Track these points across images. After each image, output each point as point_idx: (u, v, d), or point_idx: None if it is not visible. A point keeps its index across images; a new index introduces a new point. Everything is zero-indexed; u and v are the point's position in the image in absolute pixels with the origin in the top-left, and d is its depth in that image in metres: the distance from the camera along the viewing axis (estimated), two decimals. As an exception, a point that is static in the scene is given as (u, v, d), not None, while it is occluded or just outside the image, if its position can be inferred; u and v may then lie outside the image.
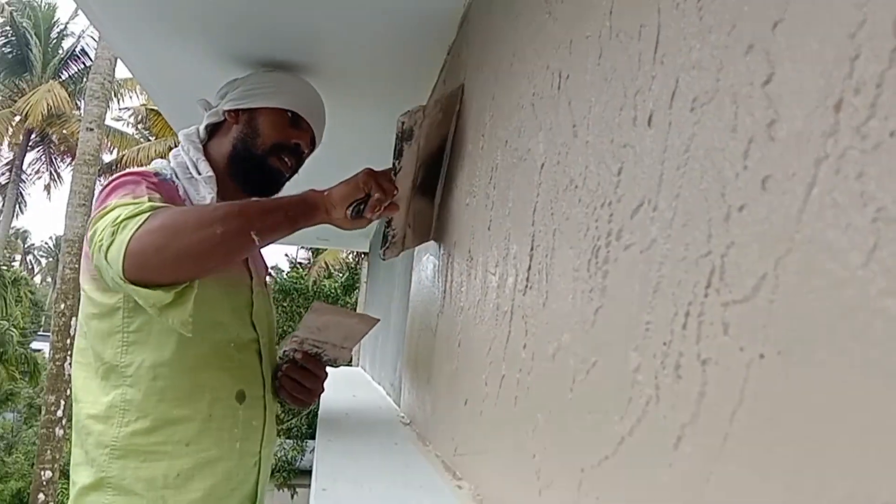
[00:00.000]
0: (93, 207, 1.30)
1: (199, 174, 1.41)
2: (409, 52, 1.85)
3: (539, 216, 0.93)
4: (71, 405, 1.36)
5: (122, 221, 1.12)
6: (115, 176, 1.32)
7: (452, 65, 1.77)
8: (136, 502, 1.24)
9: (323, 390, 1.55)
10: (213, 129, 1.55)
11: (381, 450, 1.52)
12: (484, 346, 1.14)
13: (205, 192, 1.39)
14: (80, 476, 1.27)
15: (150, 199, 1.21)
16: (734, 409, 0.45)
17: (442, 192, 1.62)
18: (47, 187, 22.77)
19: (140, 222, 1.11)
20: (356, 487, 1.14)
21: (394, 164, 1.44)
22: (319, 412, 2.20)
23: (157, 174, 1.36)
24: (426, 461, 1.40)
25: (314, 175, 3.29)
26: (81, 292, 1.33)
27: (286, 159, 1.53)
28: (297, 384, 1.48)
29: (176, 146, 1.55)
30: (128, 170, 1.35)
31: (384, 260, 1.77)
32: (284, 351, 1.50)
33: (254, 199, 1.32)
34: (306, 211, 1.33)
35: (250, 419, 1.39)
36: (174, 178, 1.39)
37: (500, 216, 1.14)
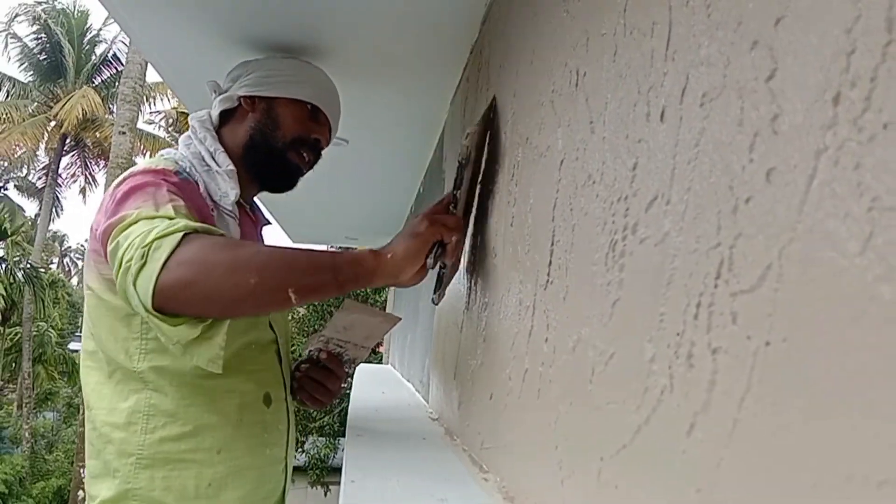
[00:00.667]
0: (105, 203, 1.16)
1: (220, 166, 1.31)
2: (432, 51, 1.87)
3: (559, 212, 0.94)
4: None
5: (152, 242, 0.99)
6: (130, 172, 1.19)
7: (475, 63, 1.79)
8: None
9: (342, 391, 1.48)
10: (225, 115, 1.43)
11: (409, 444, 1.54)
12: (507, 340, 1.16)
13: (226, 188, 1.29)
14: (100, 489, 1.17)
15: (174, 208, 1.09)
16: (742, 395, 0.46)
17: (475, 215, 1.48)
18: (83, 191, 23.23)
19: (172, 247, 0.99)
20: (384, 480, 1.17)
21: (454, 194, 1.35)
22: (349, 409, 2.24)
23: (176, 172, 1.22)
24: (454, 455, 1.42)
25: (335, 170, 3.32)
26: (86, 290, 1.23)
27: (305, 154, 1.46)
28: (318, 385, 1.42)
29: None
30: (143, 166, 1.21)
31: (436, 305, 1.71)
32: (309, 351, 1.46)
33: (301, 249, 1.14)
34: (361, 276, 1.12)
35: (276, 423, 1.34)
36: (192, 172, 1.27)
37: (521, 212, 1.15)
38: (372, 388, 3.00)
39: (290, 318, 1.53)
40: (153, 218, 1.04)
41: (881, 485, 0.34)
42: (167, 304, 1.00)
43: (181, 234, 1.00)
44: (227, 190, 1.30)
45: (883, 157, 0.35)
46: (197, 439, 1.18)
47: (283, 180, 1.47)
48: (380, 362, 7.30)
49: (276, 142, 1.41)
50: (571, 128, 0.91)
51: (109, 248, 1.05)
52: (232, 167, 1.33)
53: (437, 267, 1.36)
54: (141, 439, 1.15)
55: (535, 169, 1.08)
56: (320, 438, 12.28)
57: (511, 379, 1.12)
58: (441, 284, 1.56)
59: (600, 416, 0.72)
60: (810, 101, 0.41)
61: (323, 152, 1.55)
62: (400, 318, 1.50)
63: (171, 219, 1.05)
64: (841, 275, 0.38)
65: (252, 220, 1.44)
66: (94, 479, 1.19)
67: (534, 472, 0.95)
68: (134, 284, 1.00)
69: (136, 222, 1.04)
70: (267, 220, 1.56)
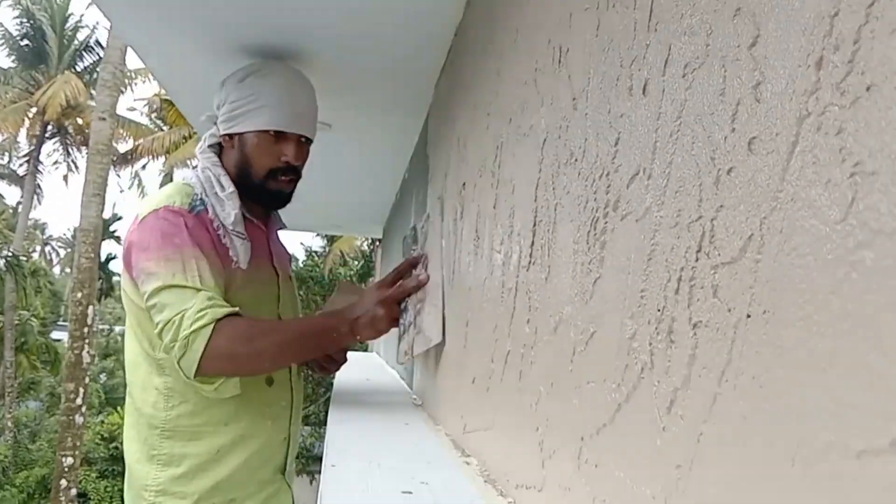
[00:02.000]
0: (132, 231, 1.41)
1: (224, 189, 1.49)
2: (417, 34, 1.85)
3: (541, 191, 0.93)
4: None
5: (189, 336, 1.25)
6: (154, 207, 1.40)
7: (459, 45, 1.77)
8: (179, 473, 1.40)
9: (346, 360, 1.68)
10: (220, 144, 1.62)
11: (391, 429, 1.54)
12: (490, 323, 1.15)
13: (229, 210, 1.47)
14: (132, 452, 1.45)
15: (199, 274, 1.32)
16: (723, 369, 0.46)
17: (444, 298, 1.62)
18: (65, 177, 22.96)
19: (206, 341, 1.25)
20: (365, 464, 1.16)
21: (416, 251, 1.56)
22: (332, 395, 2.22)
23: (191, 208, 1.42)
24: (436, 440, 1.41)
25: (319, 158, 3.29)
26: (126, 299, 1.44)
27: (283, 178, 1.57)
28: (325, 354, 1.62)
29: (190, 135, 1.61)
30: (165, 202, 1.41)
31: (402, 364, 1.83)
32: None
33: (303, 327, 1.47)
34: (339, 343, 1.49)
35: (279, 400, 1.55)
36: (203, 199, 1.46)
37: (504, 193, 1.14)
38: (356, 374, 2.99)
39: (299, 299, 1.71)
40: (184, 288, 1.30)
41: (860, 454, 0.33)
42: (206, 379, 1.32)
43: (212, 326, 1.26)
44: (229, 211, 1.47)
45: (866, 119, 0.34)
46: (207, 415, 1.42)
47: (274, 203, 1.62)
48: (366, 350, 7.28)
49: (254, 178, 1.55)
50: (554, 106, 0.90)
51: (147, 303, 1.33)
52: (233, 189, 1.50)
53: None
54: (164, 415, 1.40)
55: (519, 149, 1.07)
56: (306, 427, 12.26)
57: (493, 362, 1.11)
58: (406, 342, 1.70)
59: (581, 395, 0.71)
60: (793, 66, 0.40)
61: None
62: None
63: (198, 290, 1.30)
64: (822, 242, 0.37)
65: (262, 231, 1.62)
66: (129, 441, 1.47)
67: (515, 454, 0.94)
68: (178, 363, 1.28)
69: (171, 289, 1.30)
70: (282, 224, 1.74)
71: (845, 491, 0.34)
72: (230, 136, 1.56)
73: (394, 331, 1.62)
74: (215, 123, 1.61)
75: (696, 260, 0.50)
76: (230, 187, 1.50)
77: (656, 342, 0.55)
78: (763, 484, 0.40)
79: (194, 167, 1.61)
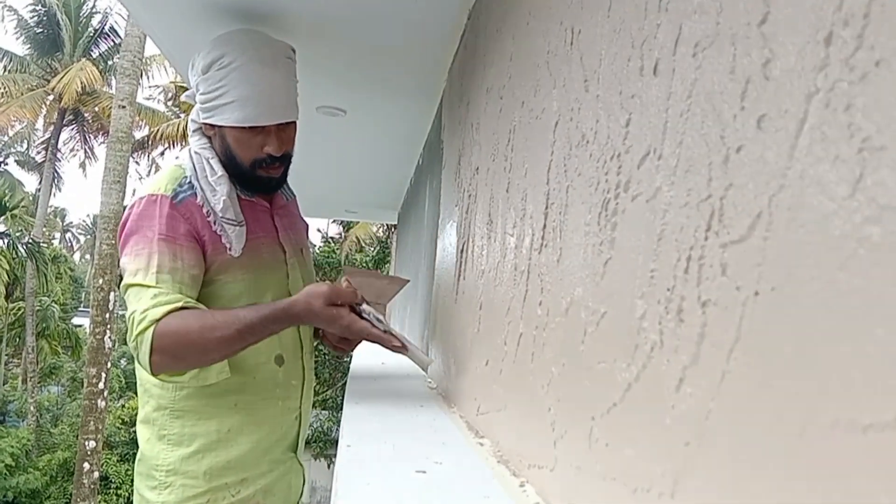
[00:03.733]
0: (121, 223, 1.41)
1: (215, 173, 1.46)
2: (430, 18, 1.85)
3: (553, 174, 0.93)
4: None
5: (137, 338, 1.26)
6: (140, 195, 1.41)
7: (473, 28, 1.76)
8: (189, 452, 1.41)
9: (360, 341, 1.62)
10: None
11: (406, 411, 1.55)
12: (503, 306, 1.16)
13: (220, 193, 1.44)
14: (143, 433, 1.46)
15: (158, 273, 1.31)
16: (731, 347, 0.46)
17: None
18: (82, 165, 23.14)
19: (150, 341, 1.25)
20: (380, 444, 1.17)
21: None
22: (349, 379, 2.24)
23: (174, 196, 1.39)
24: (450, 421, 1.42)
25: (334, 144, 3.30)
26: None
27: (270, 167, 1.51)
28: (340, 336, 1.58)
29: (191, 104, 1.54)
30: (150, 189, 1.40)
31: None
32: None
33: (244, 328, 1.30)
34: (290, 322, 1.37)
35: (290, 379, 1.54)
36: (193, 183, 1.43)
37: (517, 177, 1.14)
38: (371, 358, 3.01)
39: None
40: (141, 287, 1.30)
41: (867, 429, 0.33)
42: (167, 375, 1.33)
43: (152, 328, 1.25)
44: (220, 194, 1.44)
45: (875, 95, 0.34)
46: (216, 395, 1.42)
47: (266, 189, 1.57)
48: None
49: (240, 167, 1.49)
50: (566, 88, 0.89)
51: (122, 296, 1.35)
52: (222, 173, 1.46)
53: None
54: (173, 395, 1.41)
55: (531, 132, 1.07)
56: (323, 412, 12.38)
57: (506, 344, 1.12)
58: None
59: (592, 375, 0.71)
60: (802, 43, 0.40)
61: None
62: (408, 280, 1.54)
63: (152, 287, 1.30)
64: (830, 219, 0.37)
65: (265, 208, 1.57)
66: (140, 423, 1.48)
67: (527, 434, 0.95)
68: (139, 361, 1.30)
69: (130, 286, 1.32)
70: (289, 195, 1.68)
71: (852, 465, 0.34)
72: (210, 125, 1.49)
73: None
74: (195, 104, 1.53)
75: (706, 239, 0.50)
76: (220, 171, 1.46)
77: (666, 321, 0.55)
78: (770, 460, 0.41)
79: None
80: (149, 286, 1.30)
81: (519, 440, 1.00)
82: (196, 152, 1.49)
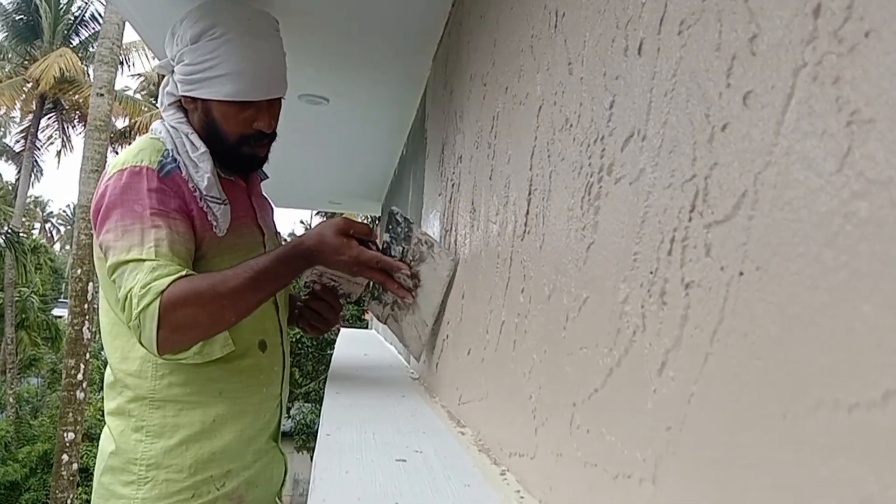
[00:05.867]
0: (99, 190, 1.32)
1: (197, 149, 1.39)
2: (414, 5, 1.83)
3: (536, 160, 0.92)
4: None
5: (139, 315, 1.19)
6: (119, 167, 1.31)
7: (457, 14, 1.75)
8: (172, 444, 1.33)
9: (338, 322, 1.65)
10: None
11: (387, 401, 1.54)
12: (486, 294, 1.15)
13: (203, 173, 1.37)
14: (115, 426, 1.36)
15: (156, 245, 1.24)
16: (714, 328, 0.45)
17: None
18: (58, 154, 22.85)
19: (156, 316, 1.19)
20: (360, 433, 1.16)
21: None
22: (330, 369, 2.23)
23: (160, 168, 1.32)
24: (431, 411, 1.42)
25: (316, 133, 3.27)
26: (96, 260, 1.36)
27: (257, 144, 1.46)
28: (316, 314, 1.60)
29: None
30: (131, 162, 1.31)
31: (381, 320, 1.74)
32: (305, 282, 1.60)
33: (257, 274, 1.28)
34: (302, 259, 1.35)
35: (272, 365, 1.50)
36: (175, 157, 1.36)
37: (500, 164, 1.13)
38: (354, 349, 2.99)
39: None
40: (138, 262, 1.22)
41: (852, 408, 0.32)
42: (175, 351, 1.26)
43: (157, 301, 1.19)
44: (203, 171, 1.37)
45: (864, 66, 0.33)
46: (200, 384, 1.35)
47: (250, 167, 1.52)
48: (366, 327, 7.30)
49: (224, 142, 1.42)
50: (550, 72, 0.88)
51: (110, 277, 1.26)
52: (204, 150, 1.39)
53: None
54: (152, 384, 1.33)
55: (515, 118, 1.06)
56: (306, 404, 12.32)
57: (488, 332, 1.11)
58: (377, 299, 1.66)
59: (573, 361, 0.71)
60: (790, 16, 0.39)
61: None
62: None
63: (150, 260, 1.22)
64: (817, 195, 0.36)
65: (243, 187, 1.52)
66: (111, 415, 1.38)
67: (508, 422, 0.94)
68: (140, 342, 1.24)
69: (127, 264, 1.23)
70: (264, 175, 1.62)
71: (837, 446, 0.33)
72: (192, 98, 1.41)
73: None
74: (172, 76, 1.44)
75: (690, 220, 0.49)
76: (202, 147, 1.39)
77: (648, 304, 0.54)
78: (753, 442, 0.40)
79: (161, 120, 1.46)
80: (145, 260, 1.22)
81: (500, 428, 1.00)
82: (173, 126, 1.40)
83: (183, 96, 1.42)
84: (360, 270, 1.39)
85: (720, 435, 0.43)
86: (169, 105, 1.45)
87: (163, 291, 1.19)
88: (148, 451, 1.31)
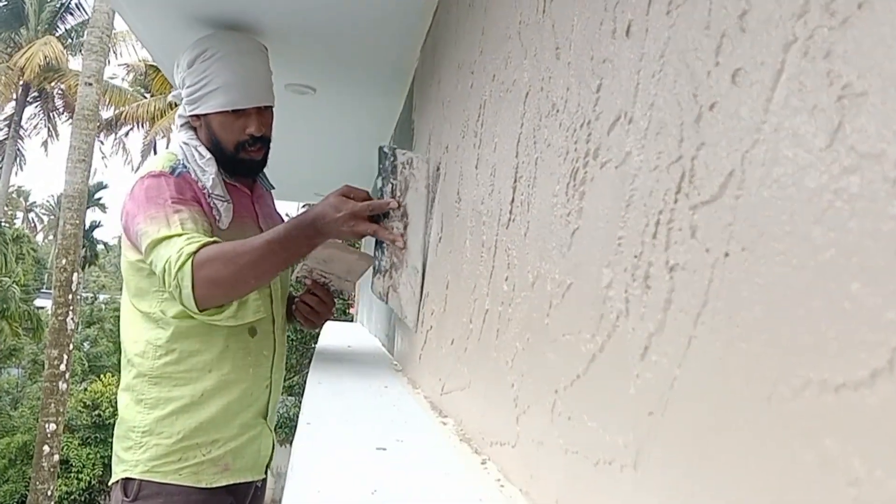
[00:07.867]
0: (129, 195, 1.55)
1: (203, 157, 1.62)
2: (402, -8, 1.81)
3: (522, 147, 0.91)
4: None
5: (177, 273, 1.38)
6: (141, 176, 1.56)
7: (446, 3, 1.73)
8: (164, 414, 1.53)
9: (331, 316, 1.81)
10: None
11: (369, 391, 1.53)
12: (470, 283, 1.13)
13: (209, 173, 1.60)
14: (123, 401, 1.59)
15: (181, 222, 1.45)
16: (699, 311, 0.44)
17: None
18: (44, 143, 22.60)
19: (190, 275, 1.37)
20: (341, 423, 1.15)
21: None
22: (313, 360, 2.21)
23: (172, 170, 1.57)
24: (414, 402, 1.41)
25: (302, 123, 3.24)
26: (123, 261, 1.59)
27: (251, 149, 1.68)
28: (310, 308, 1.74)
29: (175, 104, 1.72)
30: (150, 168, 1.57)
31: (382, 300, 1.79)
32: (297, 277, 1.74)
33: (269, 241, 1.43)
34: (310, 243, 1.51)
35: (261, 349, 1.67)
36: (185, 164, 1.60)
37: (486, 153, 1.12)
38: (339, 341, 2.98)
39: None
40: (169, 238, 1.42)
41: (839, 388, 0.32)
42: (207, 308, 1.44)
43: (190, 262, 1.38)
44: (209, 173, 1.60)
45: (856, 39, 0.32)
46: (191, 363, 1.55)
47: (249, 172, 1.74)
48: (351, 321, 7.27)
49: (224, 153, 1.66)
50: (537, 57, 0.87)
51: (147, 260, 1.47)
52: (209, 157, 1.63)
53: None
54: (151, 364, 1.54)
55: (501, 106, 1.05)
56: (290, 398, 12.27)
57: (472, 322, 1.10)
58: (381, 285, 1.70)
59: (556, 348, 0.70)
60: (781, -11, 0.38)
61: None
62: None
63: (180, 235, 1.43)
64: (806, 171, 0.35)
65: (247, 194, 1.74)
66: (121, 391, 1.61)
67: (490, 412, 0.93)
68: (184, 306, 1.43)
69: (160, 242, 1.43)
70: (269, 186, 1.87)
71: (823, 427, 0.33)
72: (196, 116, 1.68)
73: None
74: (181, 101, 1.71)
75: (675, 202, 0.48)
76: (207, 154, 1.63)
77: (632, 289, 0.53)
78: (737, 425, 0.39)
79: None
80: (177, 234, 1.42)
81: (482, 418, 0.99)
82: (185, 142, 1.65)
83: (190, 116, 1.68)
84: (356, 224, 1.49)
85: (704, 419, 0.42)
86: (181, 126, 1.71)
87: (194, 253, 1.38)
88: (144, 420, 1.53)
